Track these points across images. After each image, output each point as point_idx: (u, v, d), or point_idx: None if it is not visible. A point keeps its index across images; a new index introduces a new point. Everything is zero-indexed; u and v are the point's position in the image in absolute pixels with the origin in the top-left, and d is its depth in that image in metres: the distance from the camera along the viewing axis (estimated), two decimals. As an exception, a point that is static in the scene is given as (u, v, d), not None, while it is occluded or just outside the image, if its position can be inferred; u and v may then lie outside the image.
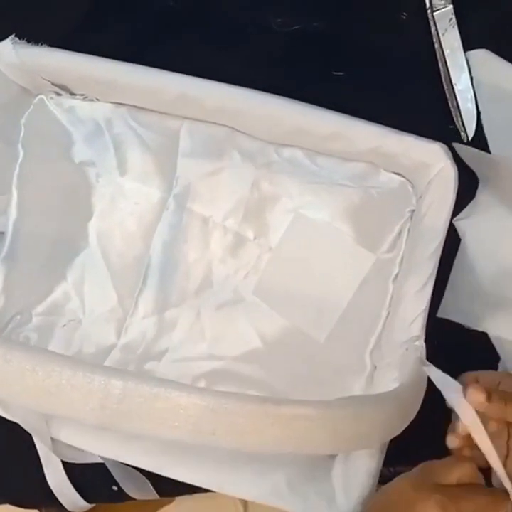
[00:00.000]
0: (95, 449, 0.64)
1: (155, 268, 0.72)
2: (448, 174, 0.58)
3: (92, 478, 0.73)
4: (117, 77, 0.63)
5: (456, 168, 0.59)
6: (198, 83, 0.62)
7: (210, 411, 0.39)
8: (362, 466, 0.57)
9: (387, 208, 0.66)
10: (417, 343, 0.56)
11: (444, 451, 0.65)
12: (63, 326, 0.71)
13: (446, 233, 0.59)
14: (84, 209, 0.73)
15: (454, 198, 0.58)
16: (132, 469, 0.72)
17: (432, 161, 0.59)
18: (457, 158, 0.62)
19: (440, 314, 0.67)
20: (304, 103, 0.61)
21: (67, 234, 0.73)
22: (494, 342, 0.66)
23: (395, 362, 0.58)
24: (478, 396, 0.45)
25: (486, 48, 0.69)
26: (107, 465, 0.71)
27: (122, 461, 0.66)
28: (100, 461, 0.71)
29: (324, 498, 0.59)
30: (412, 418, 0.49)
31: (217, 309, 0.71)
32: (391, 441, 0.57)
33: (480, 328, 0.67)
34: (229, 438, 0.40)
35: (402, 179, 0.65)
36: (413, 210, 0.65)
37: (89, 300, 0.72)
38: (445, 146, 0.60)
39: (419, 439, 0.66)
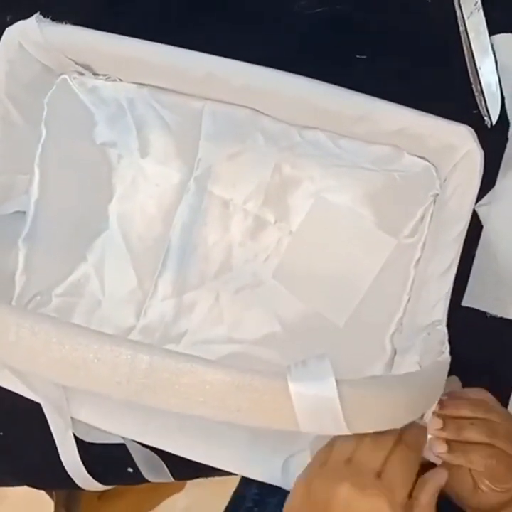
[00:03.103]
0: (114, 429, 0.65)
1: (174, 250, 0.72)
2: (474, 157, 0.58)
3: (107, 459, 0.73)
4: (143, 55, 0.63)
5: (482, 151, 0.59)
6: (225, 62, 0.62)
7: (236, 387, 0.39)
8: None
9: (409, 192, 0.66)
10: (439, 327, 0.56)
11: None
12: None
13: (470, 217, 0.58)
14: (105, 190, 0.73)
15: (479, 182, 0.58)
16: (151, 452, 0.72)
17: (458, 143, 0.59)
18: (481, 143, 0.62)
19: (465, 303, 0.67)
20: (330, 84, 0.61)
21: (88, 215, 0.73)
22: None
23: (416, 346, 0.58)
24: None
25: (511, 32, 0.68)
26: (127, 445, 0.71)
27: (141, 441, 0.66)
28: (118, 441, 0.71)
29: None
30: (434, 402, 0.48)
31: (236, 293, 0.71)
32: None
33: (507, 316, 0.66)
34: (254, 415, 0.40)
35: (426, 163, 0.65)
36: (436, 194, 0.65)
37: (109, 282, 0.73)
38: (471, 129, 0.59)
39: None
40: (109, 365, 0.39)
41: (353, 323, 0.67)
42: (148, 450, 0.72)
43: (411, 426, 0.48)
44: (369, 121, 0.61)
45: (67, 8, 0.66)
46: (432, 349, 0.52)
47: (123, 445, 0.72)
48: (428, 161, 0.65)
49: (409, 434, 0.48)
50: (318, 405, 0.40)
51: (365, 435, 0.45)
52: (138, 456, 0.73)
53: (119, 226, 0.73)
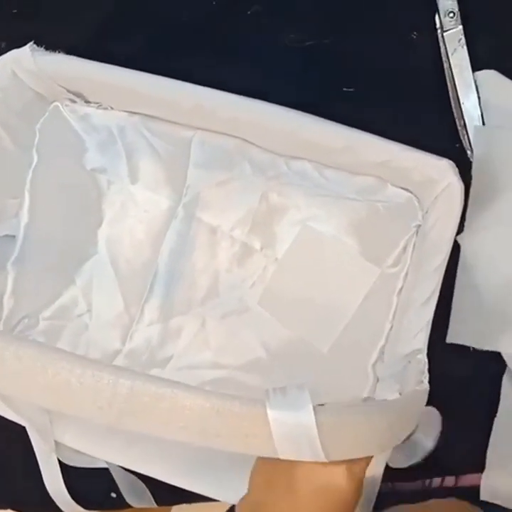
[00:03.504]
0: (98, 453, 0.65)
1: (162, 276, 0.73)
2: (454, 190, 0.59)
3: (90, 484, 0.73)
4: (134, 86, 0.64)
5: (462, 185, 0.60)
6: (213, 94, 0.63)
7: (215, 413, 0.40)
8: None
9: (393, 223, 0.67)
10: (419, 356, 0.57)
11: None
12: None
13: (451, 248, 0.59)
14: (94, 215, 0.74)
15: (460, 214, 0.59)
16: (134, 476, 0.73)
17: (439, 176, 0.60)
18: (463, 176, 0.63)
19: (449, 340, 0.67)
20: (316, 117, 0.62)
21: (77, 239, 0.74)
22: (507, 359, 0.67)
23: (397, 374, 0.59)
24: None
25: (494, 68, 0.70)
26: (111, 470, 0.72)
27: (124, 466, 0.66)
28: (103, 465, 0.72)
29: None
30: (411, 429, 0.49)
31: (223, 318, 0.72)
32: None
33: (491, 348, 0.67)
34: (233, 441, 0.41)
35: (409, 194, 0.66)
36: (419, 225, 0.66)
37: (97, 305, 0.73)
38: (453, 163, 0.61)
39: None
40: (91, 389, 0.39)
41: (336, 350, 0.68)
42: (131, 475, 0.73)
43: None
44: (353, 153, 0.62)
45: (61, 38, 0.67)
46: (411, 378, 0.53)
47: (106, 470, 0.72)
48: (411, 192, 0.66)
49: None
50: (295, 432, 0.41)
51: None
52: (121, 480, 0.73)
53: (108, 251, 0.74)
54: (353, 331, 0.68)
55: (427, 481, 0.71)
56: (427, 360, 0.55)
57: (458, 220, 0.59)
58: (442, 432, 0.63)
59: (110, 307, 0.73)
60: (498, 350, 0.66)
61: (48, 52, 0.64)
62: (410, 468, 0.68)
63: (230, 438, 0.41)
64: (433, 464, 0.70)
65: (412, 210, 0.67)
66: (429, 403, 0.54)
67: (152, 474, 0.65)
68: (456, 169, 0.60)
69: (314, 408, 0.41)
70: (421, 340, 0.58)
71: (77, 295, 0.73)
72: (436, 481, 0.70)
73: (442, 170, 0.60)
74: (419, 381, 0.51)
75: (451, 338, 0.66)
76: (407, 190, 0.66)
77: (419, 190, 0.65)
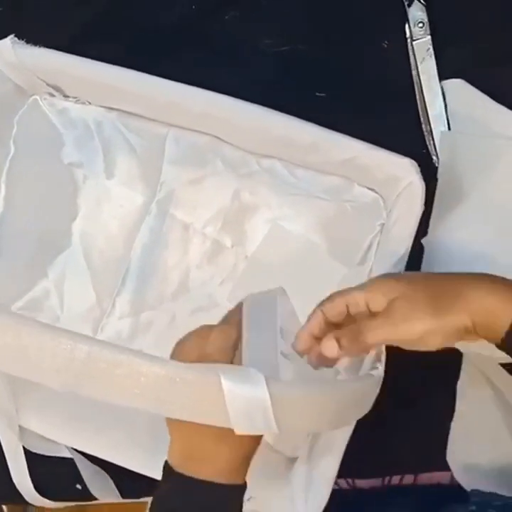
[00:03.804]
0: (62, 439, 0.66)
1: (134, 271, 0.74)
2: (416, 188, 0.61)
3: (56, 475, 0.74)
4: (110, 80, 0.66)
5: (423, 183, 0.62)
6: (186, 90, 0.65)
7: (170, 380, 0.41)
8: (322, 473, 0.60)
9: (359, 222, 0.69)
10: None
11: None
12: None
13: (411, 244, 0.61)
14: (69, 209, 0.75)
15: (421, 211, 0.61)
16: (99, 468, 0.73)
17: (401, 174, 0.62)
18: (429, 181, 0.65)
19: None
20: (285, 114, 0.64)
21: (52, 232, 0.75)
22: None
23: (356, 363, 0.60)
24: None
25: (461, 77, 0.72)
26: (76, 461, 0.72)
27: (90, 452, 0.67)
28: (67, 455, 0.72)
29: (284, 500, 0.61)
30: (364, 412, 0.50)
31: (192, 314, 0.73)
32: (350, 452, 0.59)
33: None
34: (186, 409, 0.42)
35: (374, 194, 0.68)
36: (383, 224, 0.68)
37: (68, 298, 0.74)
38: (415, 162, 0.63)
39: (376, 453, 0.69)
40: (50, 353, 0.40)
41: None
42: (96, 467, 0.73)
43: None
44: (320, 150, 0.64)
45: (44, 35, 0.69)
46: (368, 364, 0.54)
47: (72, 461, 0.72)
48: (376, 192, 0.68)
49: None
50: (249, 403, 0.42)
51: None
52: (86, 472, 0.74)
53: (82, 244, 0.75)
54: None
55: (387, 479, 0.72)
56: (384, 349, 0.56)
57: (418, 217, 0.61)
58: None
59: (82, 300, 0.74)
60: (457, 347, 0.68)
61: (28, 46, 0.66)
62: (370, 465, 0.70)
63: (183, 406, 0.41)
64: (393, 461, 0.71)
65: (377, 210, 0.68)
66: (389, 398, 0.56)
67: (118, 461, 0.66)
68: (418, 168, 0.62)
69: (267, 380, 0.42)
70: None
71: (50, 287, 0.74)
72: (396, 479, 0.71)
73: (404, 168, 0.62)
74: (375, 368, 0.52)
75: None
76: (372, 190, 0.68)
77: (383, 189, 0.67)
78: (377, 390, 0.51)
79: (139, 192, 0.74)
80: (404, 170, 0.62)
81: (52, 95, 0.71)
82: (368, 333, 0.49)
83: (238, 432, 0.43)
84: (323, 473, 0.59)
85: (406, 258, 0.61)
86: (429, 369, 0.69)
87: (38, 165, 0.74)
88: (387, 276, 0.53)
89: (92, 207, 0.75)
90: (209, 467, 0.49)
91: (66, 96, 0.72)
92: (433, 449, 0.70)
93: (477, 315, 0.48)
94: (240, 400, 0.42)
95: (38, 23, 0.75)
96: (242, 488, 0.50)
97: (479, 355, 0.68)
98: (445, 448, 0.69)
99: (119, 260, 0.74)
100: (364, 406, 0.49)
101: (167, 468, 0.50)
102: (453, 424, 0.70)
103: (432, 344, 0.49)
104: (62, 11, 0.79)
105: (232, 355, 0.50)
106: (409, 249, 0.61)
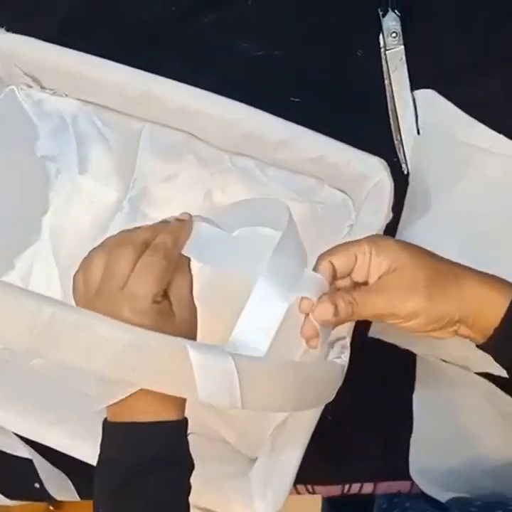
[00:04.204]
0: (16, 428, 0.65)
1: (103, 267, 0.73)
2: (384, 187, 0.62)
3: (14, 473, 0.73)
4: (84, 69, 0.67)
5: (392, 182, 0.63)
6: (162, 80, 0.66)
7: (133, 346, 0.41)
8: (284, 466, 0.59)
9: (329, 223, 0.70)
10: (342, 341, 0.58)
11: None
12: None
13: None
14: (40, 203, 0.75)
15: (389, 210, 0.62)
16: (56, 468, 0.72)
17: (370, 173, 0.63)
18: (399, 189, 0.66)
19: (371, 334, 0.70)
20: (257, 109, 0.65)
21: (21, 225, 0.74)
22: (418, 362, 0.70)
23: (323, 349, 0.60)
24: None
25: (432, 88, 0.74)
26: (34, 461, 0.71)
27: (43, 442, 0.65)
28: (26, 455, 0.71)
29: (241, 496, 0.60)
30: (327, 400, 0.50)
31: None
32: (311, 459, 0.59)
33: (410, 348, 0.69)
34: (149, 375, 0.41)
35: (344, 195, 0.69)
36: (351, 225, 0.69)
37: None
38: (383, 161, 0.64)
39: (336, 460, 0.69)
40: (13, 314, 0.40)
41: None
42: (54, 467, 0.72)
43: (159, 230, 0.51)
44: (290, 147, 0.65)
45: (23, 25, 0.70)
46: (332, 354, 0.54)
47: (29, 460, 0.71)
48: (345, 193, 0.69)
49: (157, 239, 0.50)
50: (217, 375, 0.42)
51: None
52: (43, 472, 0.72)
53: (51, 239, 0.75)
54: (285, 328, 0.69)
55: (347, 486, 0.71)
56: (349, 341, 0.56)
57: (387, 216, 0.62)
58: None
59: (47, 294, 0.73)
60: (416, 352, 0.69)
61: (7, 33, 0.67)
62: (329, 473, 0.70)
63: (146, 372, 0.41)
64: (352, 470, 0.71)
65: (346, 211, 0.69)
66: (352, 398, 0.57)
67: (74, 454, 0.64)
68: (388, 167, 0.64)
69: (233, 355, 0.42)
70: (344, 328, 0.59)
71: (16, 279, 0.74)
72: (356, 487, 0.71)
73: (373, 166, 0.63)
74: (339, 357, 0.52)
75: (374, 333, 0.68)
76: (342, 191, 0.69)
77: (352, 188, 0.67)
78: (340, 380, 0.51)
79: (111, 188, 0.74)
80: (373, 168, 0.63)
81: (30, 86, 0.72)
82: (364, 307, 0.50)
83: (203, 401, 0.43)
84: (285, 466, 0.59)
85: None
86: (389, 374, 0.70)
87: (12, 156, 0.73)
88: (395, 241, 0.53)
89: (63, 202, 0.75)
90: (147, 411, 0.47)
91: (43, 87, 0.72)
92: (392, 458, 0.70)
93: (469, 305, 0.49)
94: (207, 369, 0.42)
95: (17, 12, 0.76)
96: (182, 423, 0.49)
97: (437, 361, 0.69)
98: (405, 456, 0.70)
99: (87, 256, 0.74)
100: (326, 392, 0.49)
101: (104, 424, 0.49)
102: (412, 437, 0.70)
103: (415, 324, 0.50)
104: (43, 2, 0.80)
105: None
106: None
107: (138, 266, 0.47)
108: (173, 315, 0.49)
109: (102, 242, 0.51)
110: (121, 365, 0.41)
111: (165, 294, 0.49)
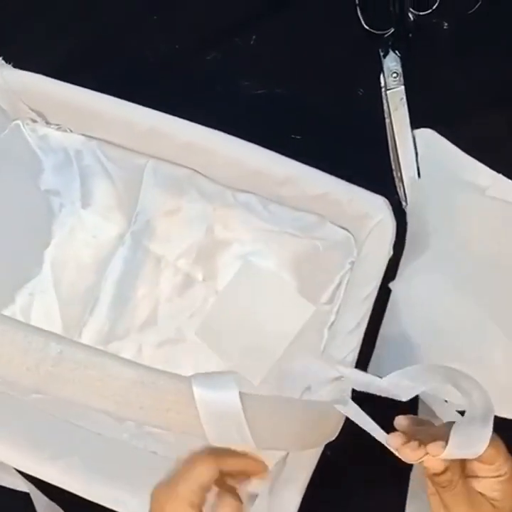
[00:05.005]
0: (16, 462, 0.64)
1: (104, 301, 0.74)
2: (386, 225, 0.63)
3: (9, 507, 0.73)
4: (92, 105, 0.68)
5: (394, 221, 0.64)
6: (168, 118, 0.67)
7: (140, 384, 0.41)
8: (283, 507, 0.59)
9: (330, 260, 0.70)
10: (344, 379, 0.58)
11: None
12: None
13: (380, 280, 0.62)
14: (43, 236, 0.75)
15: (391, 249, 0.63)
16: (53, 503, 0.71)
17: (373, 211, 0.64)
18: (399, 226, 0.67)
19: (370, 371, 0.70)
20: (260, 147, 0.66)
21: (23, 258, 0.75)
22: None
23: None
24: (397, 440, 0.48)
25: (432, 127, 0.75)
26: (31, 495, 0.70)
27: (45, 479, 0.65)
28: (23, 489, 0.70)
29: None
30: (332, 436, 0.50)
31: (159, 346, 0.73)
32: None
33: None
34: (155, 414, 0.41)
35: (346, 232, 0.70)
36: (353, 262, 0.69)
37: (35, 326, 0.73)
38: (386, 200, 0.65)
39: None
40: (21, 350, 0.40)
41: (267, 383, 0.69)
42: (51, 502, 0.71)
43: None
44: (294, 185, 0.66)
45: (30, 62, 0.71)
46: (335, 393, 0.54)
47: (27, 495, 0.71)
48: (347, 230, 0.70)
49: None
50: (222, 412, 0.41)
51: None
52: (41, 507, 0.72)
53: (52, 272, 0.75)
54: (285, 364, 0.70)
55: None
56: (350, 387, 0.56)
57: (388, 255, 0.63)
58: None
59: (48, 329, 0.73)
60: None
61: (15, 69, 0.68)
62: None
63: (152, 411, 0.41)
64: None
65: (348, 248, 0.70)
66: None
67: (73, 489, 0.64)
68: (390, 206, 0.64)
69: (240, 393, 0.42)
70: (347, 365, 0.59)
71: (16, 314, 0.74)
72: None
73: (376, 205, 0.64)
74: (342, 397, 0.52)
75: (373, 370, 0.68)
76: (344, 228, 0.70)
77: (354, 226, 0.68)
78: (344, 417, 0.51)
79: (114, 222, 0.75)
80: (376, 207, 0.64)
81: (35, 121, 0.73)
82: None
83: (213, 442, 0.43)
84: (284, 507, 0.58)
85: (374, 296, 0.62)
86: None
87: (15, 190, 0.74)
88: None
89: (65, 235, 0.75)
90: None
91: (48, 122, 0.73)
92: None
93: None
94: (212, 407, 0.42)
95: (19, 51, 0.76)
96: None
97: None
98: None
99: (88, 290, 0.74)
100: (333, 430, 0.50)
101: None
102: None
103: None
104: (50, 40, 0.82)
105: None
106: (378, 287, 0.62)
107: None
108: None
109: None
110: (129, 404, 0.41)
111: None
